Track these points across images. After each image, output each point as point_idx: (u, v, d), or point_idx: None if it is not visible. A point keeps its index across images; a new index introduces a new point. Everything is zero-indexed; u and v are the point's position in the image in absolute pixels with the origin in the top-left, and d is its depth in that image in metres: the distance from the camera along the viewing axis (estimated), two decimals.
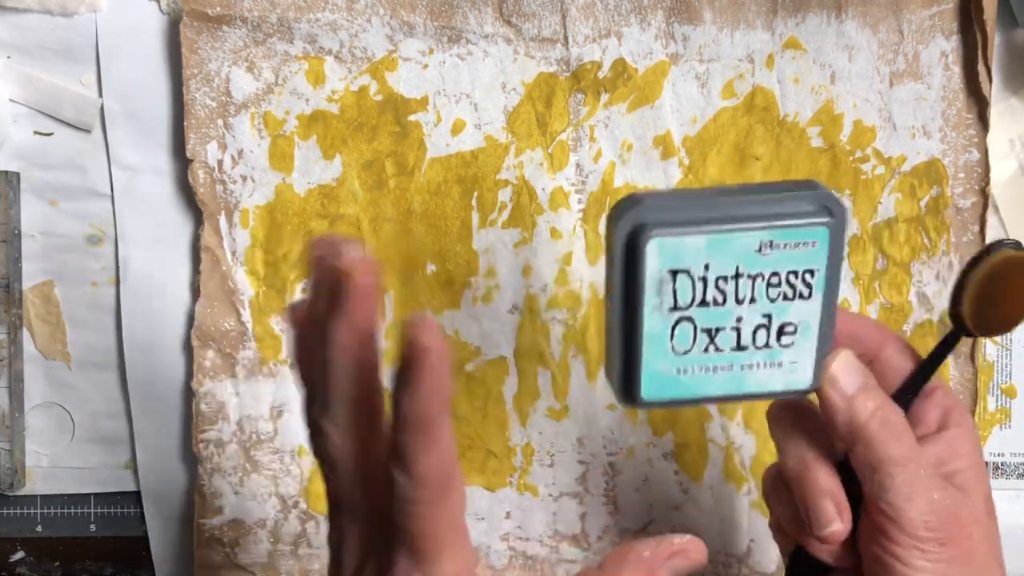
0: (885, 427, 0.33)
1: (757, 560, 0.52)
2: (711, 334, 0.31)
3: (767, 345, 0.32)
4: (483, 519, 0.52)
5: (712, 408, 0.51)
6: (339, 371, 0.27)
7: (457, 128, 0.50)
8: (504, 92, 0.50)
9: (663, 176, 0.50)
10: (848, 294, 0.51)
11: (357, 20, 0.49)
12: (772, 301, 0.31)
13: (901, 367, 0.35)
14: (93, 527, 0.53)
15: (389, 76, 0.50)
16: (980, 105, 0.50)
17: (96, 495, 0.53)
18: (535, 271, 0.51)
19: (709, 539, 0.52)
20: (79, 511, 0.53)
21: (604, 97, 0.50)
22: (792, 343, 0.32)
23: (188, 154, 0.49)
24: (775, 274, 0.31)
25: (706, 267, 0.30)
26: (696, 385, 0.32)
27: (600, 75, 0.50)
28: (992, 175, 0.50)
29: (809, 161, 0.50)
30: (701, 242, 0.30)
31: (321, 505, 0.51)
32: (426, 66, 0.50)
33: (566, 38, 0.49)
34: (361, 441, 0.28)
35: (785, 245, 0.30)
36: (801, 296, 0.31)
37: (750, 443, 0.52)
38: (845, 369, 0.34)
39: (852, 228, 0.51)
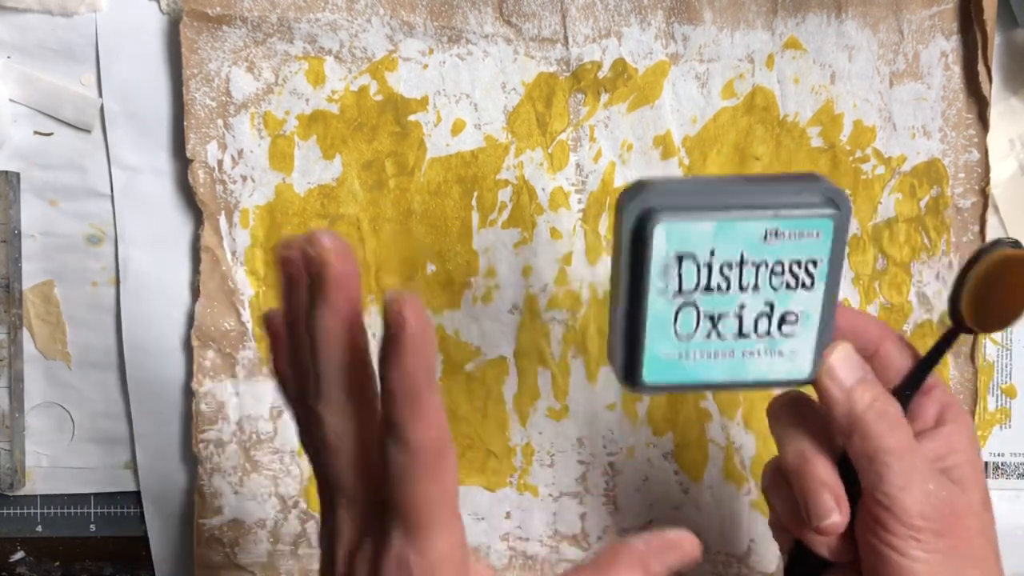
0: (882, 418, 0.33)
1: (757, 560, 0.52)
2: (714, 320, 0.32)
3: (768, 334, 0.32)
4: (483, 519, 0.52)
5: (712, 408, 0.51)
6: (329, 356, 0.27)
7: (457, 128, 0.50)
8: (504, 92, 0.50)
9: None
10: (848, 294, 0.51)
11: (357, 20, 0.49)
12: (775, 290, 0.32)
13: (900, 363, 0.36)
14: (93, 527, 0.53)
15: (389, 76, 0.50)
16: (980, 105, 0.50)
17: (96, 495, 0.53)
18: (535, 271, 0.51)
19: (709, 539, 0.52)
20: (79, 511, 0.53)
21: (604, 97, 0.50)
22: (793, 333, 0.32)
23: (188, 154, 0.49)
24: (779, 263, 0.31)
25: (712, 253, 0.31)
26: (697, 370, 0.33)
27: (600, 75, 0.50)
28: (992, 175, 0.50)
29: (809, 161, 0.50)
30: (708, 227, 0.30)
31: None
32: (426, 66, 0.50)
33: (566, 38, 0.49)
34: (358, 420, 0.28)
35: (790, 234, 0.31)
36: (804, 286, 0.32)
37: (750, 443, 0.52)
38: (843, 361, 0.34)
39: (852, 228, 0.51)
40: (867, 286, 0.51)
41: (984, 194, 0.50)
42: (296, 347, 0.30)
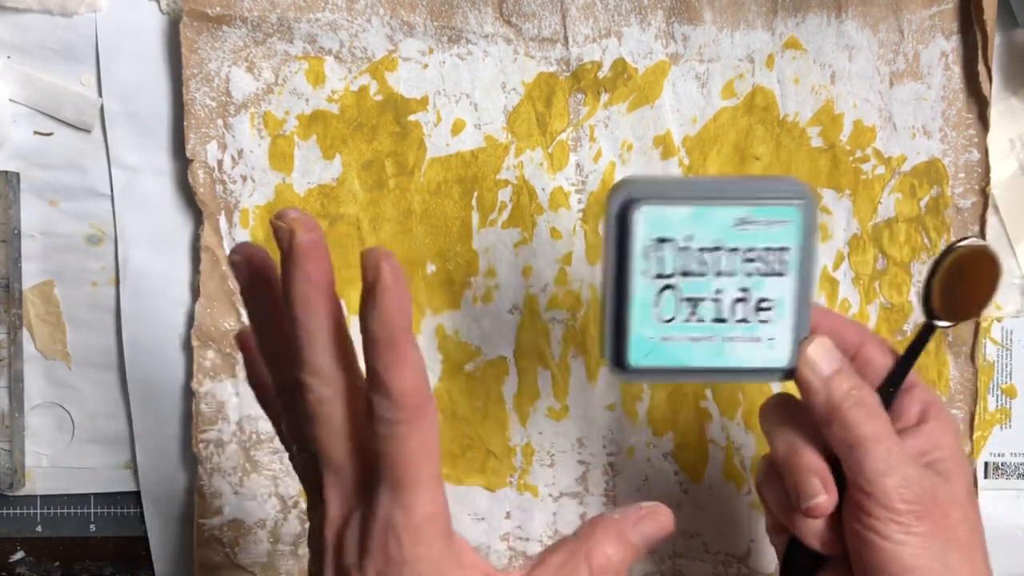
0: (859, 406, 0.35)
1: (757, 560, 0.52)
2: (693, 304, 0.34)
3: (745, 319, 0.35)
4: (483, 519, 0.52)
5: (712, 408, 0.51)
6: (308, 322, 0.28)
7: (457, 128, 0.50)
8: (504, 92, 0.50)
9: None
10: (848, 294, 0.51)
11: (357, 20, 0.49)
12: (749, 276, 0.34)
13: (881, 364, 0.37)
14: (93, 527, 0.53)
15: (389, 76, 0.50)
16: (980, 105, 0.50)
17: (96, 495, 0.53)
18: (535, 271, 0.51)
19: (709, 539, 0.52)
20: (79, 511, 0.53)
21: (604, 97, 0.50)
22: (769, 319, 0.35)
23: (188, 154, 0.49)
24: (751, 249, 0.34)
25: (689, 238, 0.34)
26: (680, 354, 0.35)
27: (600, 75, 0.50)
28: (992, 175, 0.50)
29: (809, 161, 0.50)
30: (684, 213, 0.33)
31: None
32: (426, 66, 0.50)
33: (566, 38, 0.49)
34: (341, 384, 0.29)
35: (761, 222, 0.34)
36: (776, 273, 0.34)
37: (750, 443, 0.52)
38: (822, 352, 0.35)
39: (852, 228, 0.51)
40: (867, 286, 0.51)
41: (984, 194, 0.50)
42: (271, 330, 0.31)
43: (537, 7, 0.49)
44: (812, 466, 0.35)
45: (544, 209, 0.50)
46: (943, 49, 0.50)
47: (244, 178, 0.50)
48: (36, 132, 0.51)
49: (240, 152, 0.50)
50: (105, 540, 0.54)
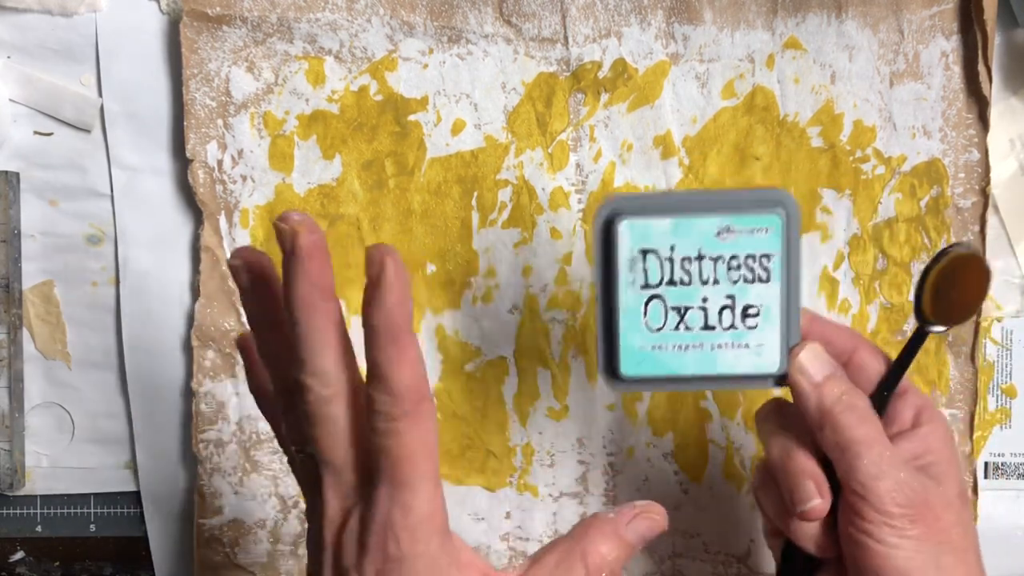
0: (851, 411, 0.35)
1: (757, 560, 0.52)
2: (681, 312, 0.35)
3: (733, 326, 0.35)
4: (483, 519, 0.52)
5: (712, 408, 0.51)
6: (308, 323, 0.28)
7: (457, 128, 0.50)
8: (504, 92, 0.50)
9: (663, 176, 0.50)
10: (848, 294, 0.51)
11: (357, 20, 0.49)
12: (734, 283, 0.35)
13: (874, 368, 0.38)
14: (93, 527, 0.53)
15: (389, 76, 0.50)
16: (980, 105, 0.50)
17: (96, 495, 0.53)
18: (535, 271, 0.51)
19: (709, 539, 0.52)
20: (79, 511, 0.53)
21: (604, 97, 0.50)
22: (756, 325, 0.35)
23: (188, 154, 0.49)
24: (734, 257, 0.35)
25: (672, 248, 0.35)
26: (671, 362, 0.36)
27: (600, 75, 0.50)
28: (992, 175, 0.50)
29: (809, 161, 0.50)
30: (666, 225, 0.35)
31: None
32: (426, 66, 0.50)
33: (566, 38, 0.49)
34: (340, 384, 0.29)
35: (742, 231, 0.35)
36: (760, 280, 0.35)
37: (750, 443, 0.52)
38: (813, 358, 0.36)
39: (852, 228, 0.51)
40: (867, 286, 0.51)
41: (984, 194, 0.50)
42: (271, 332, 0.31)
43: (537, 7, 0.49)
44: (806, 470, 0.36)
45: (544, 209, 0.50)
46: (943, 49, 0.50)
47: (244, 178, 0.50)
48: (36, 132, 0.51)
49: (240, 152, 0.50)
50: (105, 540, 0.54)
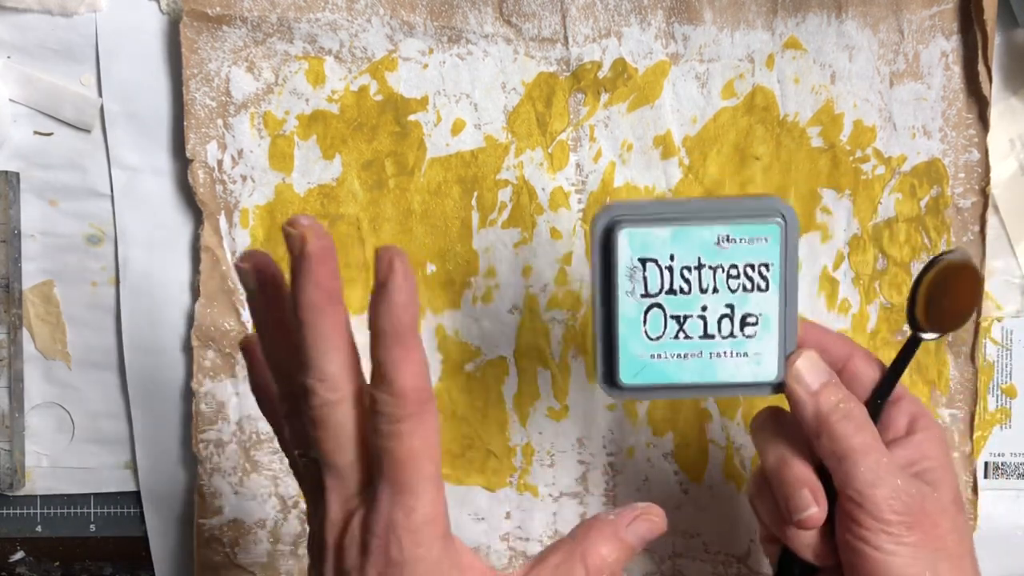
0: (847, 419, 0.35)
1: (757, 560, 0.52)
2: (680, 321, 0.36)
3: (732, 335, 0.36)
4: (483, 519, 0.52)
5: (712, 408, 0.51)
6: (315, 327, 0.29)
7: (457, 128, 0.50)
8: (504, 92, 0.50)
9: (663, 176, 0.50)
10: (848, 294, 0.51)
11: (357, 20, 0.49)
12: (733, 292, 0.35)
13: (868, 376, 0.38)
14: (93, 527, 0.53)
15: (389, 76, 0.50)
16: (980, 105, 0.50)
17: (96, 495, 0.53)
18: (535, 271, 0.51)
19: (709, 539, 0.52)
20: (79, 511, 0.53)
21: (604, 97, 0.50)
22: (755, 334, 0.36)
23: (188, 154, 0.49)
24: (733, 266, 0.35)
25: (671, 257, 0.35)
26: (670, 371, 0.36)
27: (600, 75, 0.50)
28: (992, 175, 0.50)
29: (809, 161, 0.50)
30: (666, 233, 0.35)
31: None
32: (426, 66, 0.50)
33: (566, 38, 0.49)
34: (346, 389, 0.29)
35: (741, 239, 0.35)
36: (759, 289, 0.35)
37: (750, 443, 0.51)
38: (809, 366, 0.36)
39: (852, 228, 0.51)
40: (867, 286, 0.51)
41: (984, 194, 0.50)
42: (277, 335, 0.31)
43: (537, 7, 0.49)
44: (802, 478, 0.36)
45: (544, 209, 0.50)
46: (943, 49, 0.50)
47: (244, 178, 0.50)
48: (36, 132, 0.51)
49: (240, 152, 0.50)
50: (105, 540, 0.54)
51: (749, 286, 0.35)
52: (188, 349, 0.51)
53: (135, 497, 0.53)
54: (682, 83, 0.50)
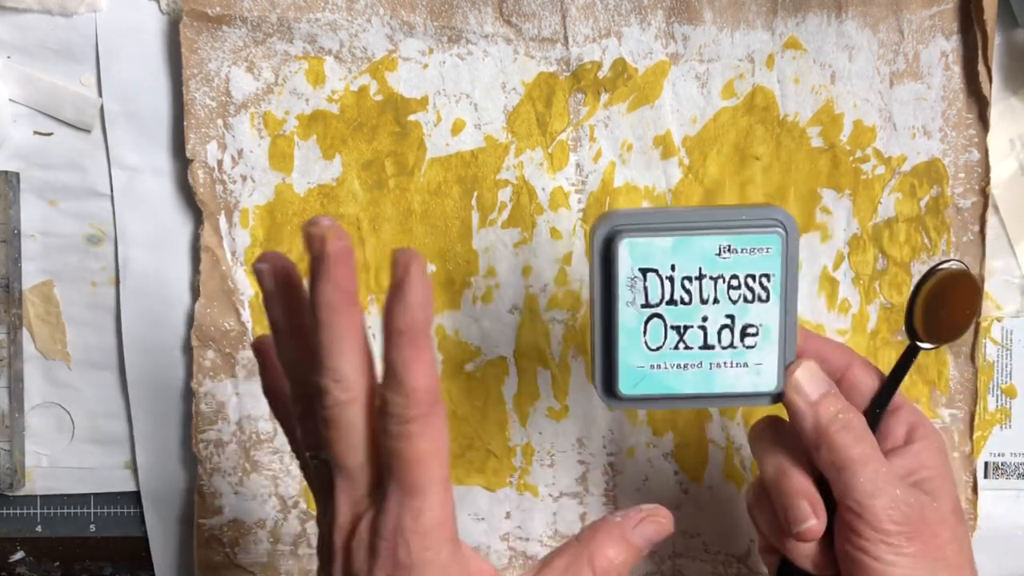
0: (847, 429, 0.35)
1: (757, 560, 0.52)
2: (680, 331, 0.35)
3: (732, 345, 0.36)
4: (483, 519, 0.52)
5: (712, 408, 0.51)
6: (332, 328, 0.29)
7: (457, 128, 0.50)
8: (504, 92, 0.50)
9: (663, 176, 0.50)
10: (848, 294, 0.51)
11: (357, 20, 0.49)
12: (733, 302, 0.35)
13: (868, 385, 0.38)
14: (93, 527, 0.53)
15: (389, 76, 0.50)
16: (980, 105, 0.50)
17: (96, 495, 0.53)
18: (535, 271, 0.51)
19: (709, 539, 0.52)
20: (79, 511, 0.53)
21: (604, 97, 0.50)
22: (755, 344, 0.36)
23: (188, 154, 0.49)
24: (735, 276, 0.35)
25: (672, 267, 0.35)
26: (670, 381, 0.36)
27: (600, 75, 0.50)
28: (992, 175, 0.50)
29: (809, 161, 0.50)
30: (667, 243, 0.35)
31: None
32: (426, 66, 0.50)
33: (566, 38, 0.49)
34: (359, 389, 0.29)
35: (742, 250, 0.35)
36: (760, 299, 0.35)
37: None
38: (808, 376, 0.36)
39: (852, 228, 0.51)
40: (867, 286, 0.51)
41: (984, 194, 0.50)
42: (292, 336, 0.31)
43: (537, 7, 0.49)
44: (801, 490, 0.36)
45: (544, 209, 0.50)
46: (943, 49, 0.50)
47: (244, 178, 0.50)
48: (36, 132, 0.51)
49: (240, 152, 0.50)
50: (105, 540, 0.54)
51: (750, 296, 0.35)
52: (188, 349, 0.51)
53: (135, 497, 0.53)
54: (682, 83, 0.50)
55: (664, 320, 0.35)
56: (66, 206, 0.52)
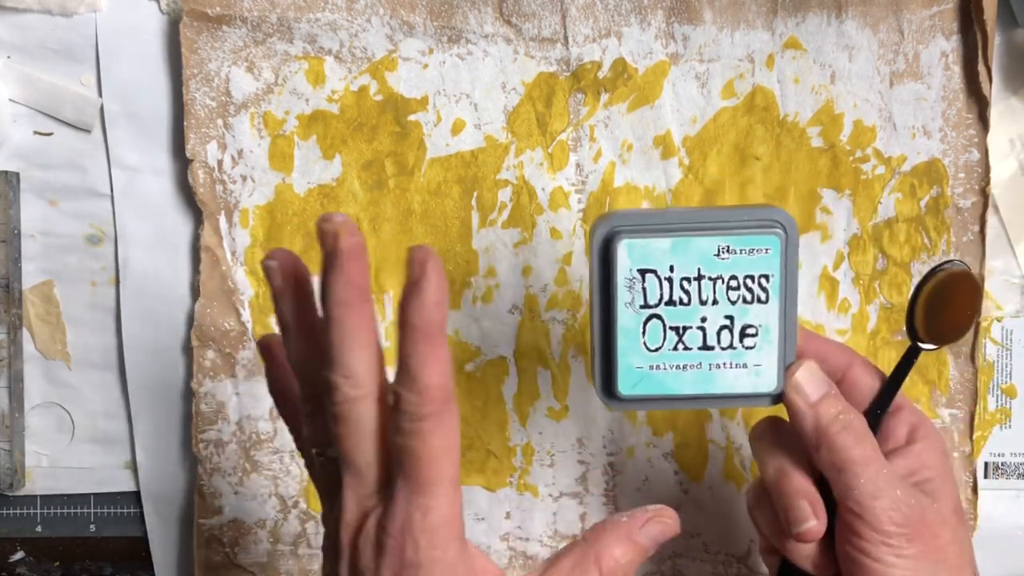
0: (847, 430, 0.35)
1: (757, 560, 0.52)
2: (679, 332, 0.35)
3: (731, 346, 0.35)
4: (483, 519, 0.52)
5: (712, 408, 0.51)
6: (343, 324, 0.29)
7: (457, 128, 0.50)
8: (504, 92, 0.50)
9: (663, 176, 0.50)
10: (848, 294, 0.51)
11: (357, 20, 0.49)
12: (732, 303, 0.35)
13: (868, 386, 0.38)
14: (93, 527, 0.53)
15: (389, 76, 0.50)
16: (980, 105, 0.50)
17: (96, 495, 0.53)
18: (535, 271, 0.51)
19: (709, 539, 0.52)
20: (79, 511, 0.53)
21: (604, 97, 0.50)
22: (755, 345, 0.35)
23: (188, 154, 0.49)
24: (733, 277, 0.35)
25: (671, 268, 0.35)
26: (669, 382, 0.36)
27: (600, 75, 0.50)
28: (992, 175, 0.50)
29: (809, 161, 0.50)
30: (665, 244, 0.34)
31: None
32: (426, 66, 0.50)
33: (566, 38, 0.49)
34: (369, 385, 0.29)
35: (741, 250, 0.35)
36: (759, 300, 0.35)
37: None
38: (809, 377, 0.36)
39: (852, 228, 0.51)
40: (867, 286, 0.51)
41: (984, 194, 0.50)
42: (301, 333, 0.31)
43: (537, 7, 0.49)
44: (801, 490, 0.36)
45: (544, 209, 0.50)
46: (943, 49, 0.50)
47: (244, 178, 0.50)
48: (36, 132, 0.51)
49: (240, 152, 0.50)
50: (105, 540, 0.54)
51: (749, 297, 0.35)
52: (188, 349, 0.51)
53: (135, 497, 0.53)
54: (682, 83, 0.50)
55: (663, 321, 0.35)
56: (66, 206, 0.52)
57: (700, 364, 0.36)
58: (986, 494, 0.52)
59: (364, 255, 0.29)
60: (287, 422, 0.35)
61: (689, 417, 0.51)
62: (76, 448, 0.53)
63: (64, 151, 0.51)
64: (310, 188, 0.50)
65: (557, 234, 0.51)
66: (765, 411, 0.41)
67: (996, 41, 0.50)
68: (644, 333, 0.35)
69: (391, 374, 0.29)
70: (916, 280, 0.51)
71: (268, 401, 0.51)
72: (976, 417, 0.51)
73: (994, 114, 0.50)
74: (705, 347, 0.35)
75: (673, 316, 0.35)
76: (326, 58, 0.49)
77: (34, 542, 0.54)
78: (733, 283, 0.35)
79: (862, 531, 0.34)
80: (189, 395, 0.51)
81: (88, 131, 0.51)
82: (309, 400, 0.32)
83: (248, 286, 0.51)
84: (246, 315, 0.51)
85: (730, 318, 0.35)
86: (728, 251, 0.35)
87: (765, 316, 0.35)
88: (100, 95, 0.51)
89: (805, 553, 0.37)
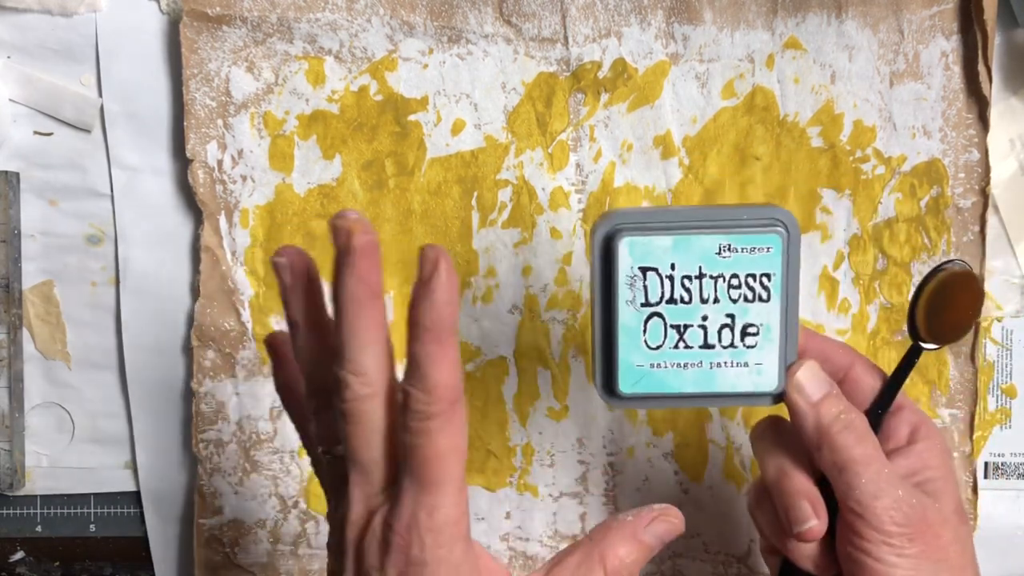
0: (848, 430, 0.35)
1: (757, 560, 0.52)
2: (680, 330, 0.35)
3: (732, 345, 0.35)
4: (483, 519, 0.52)
5: (712, 408, 0.51)
6: (355, 320, 0.29)
7: (457, 128, 0.50)
8: (504, 92, 0.50)
9: (663, 176, 0.50)
10: (848, 294, 0.51)
11: (357, 20, 0.49)
12: (734, 302, 0.35)
13: (870, 385, 0.38)
14: (93, 527, 0.53)
15: (389, 76, 0.50)
16: (980, 105, 0.50)
17: (96, 495, 0.53)
18: (535, 271, 0.51)
19: (709, 539, 0.52)
20: (79, 511, 0.53)
21: (604, 97, 0.50)
22: (756, 344, 0.35)
23: (188, 154, 0.49)
24: (735, 276, 0.35)
25: (672, 266, 0.35)
26: (670, 380, 0.36)
27: (600, 75, 0.50)
28: (992, 175, 0.50)
29: (809, 161, 0.50)
30: (667, 242, 0.34)
31: (321, 505, 0.51)
32: (426, 66, 0.50)
33: (566, 38, 0.49)
34: (379, 383, 0.29)
35: (742, 249, 0.34)
36: (760, 299, 0.35)
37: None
38: (810, 376, 0.36)
39: (852, 228, 0.51)
40: (867, 286, 0.51)
41: (984, 194, 0.50)
42: (310, 330, 0.31)
43: (537, 7, 0.49)
44: (802, 490, 0.36)
45: (544, 209, 0.50)
46: (943, 49, 0.50)
47: (244, 178, 0.50)
48: (36, 132, 0.51)
49: (240, 152, 0.50)
50: (105, 540, 0.54)
51: (750, 296, 0.35)
52: (188, 349, 0.51)
53: (135, 497, 0.53)
54: (682, 83, 0.50)
55: (664, 319, 0.35)
56: (66, 206, 0.52)
57: (701, 363, 0.36)
58: (986, 494, 0.52)
59: (377, 253, 0.29)
60: (293, 420, 0.35)
61: (689, 417, 0.51)
62: (76, 448, 0.53)
63: (64, 151, 0.51)
64: (310, 188, 0.50)
65: (557, 234, 0.51)
66: (766, 411, 0.41)
67: (996, 41, 0.50)
68: (645, 331, 0.35)
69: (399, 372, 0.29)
70: (916, 280, 0.51)
71: (268, 401, 0.51)
72: (976, 417, 0.51)
73: (994, 114, 0.50)
74: (706, 346, 0.35)
75: (674, 314, 0.35)
76: (326, 58, 0.49)
77: (34, 542, 0.54)
78: (734, 282, 0.35)
79: (863, 531, 0.34)
80: (189, 395, 0.51)
81: (88, 131, 0.51)
82: (316, 397, 0.32)
83: (248, 286, 0.51)
84: (246, 315, 0.51)
85: (731, 317, 0.35)
86: (730, 249, 0.34)
87: (766, 315, 0.35)
88: (100, 95, 0.51)
89: (806, 553, 0.37)
